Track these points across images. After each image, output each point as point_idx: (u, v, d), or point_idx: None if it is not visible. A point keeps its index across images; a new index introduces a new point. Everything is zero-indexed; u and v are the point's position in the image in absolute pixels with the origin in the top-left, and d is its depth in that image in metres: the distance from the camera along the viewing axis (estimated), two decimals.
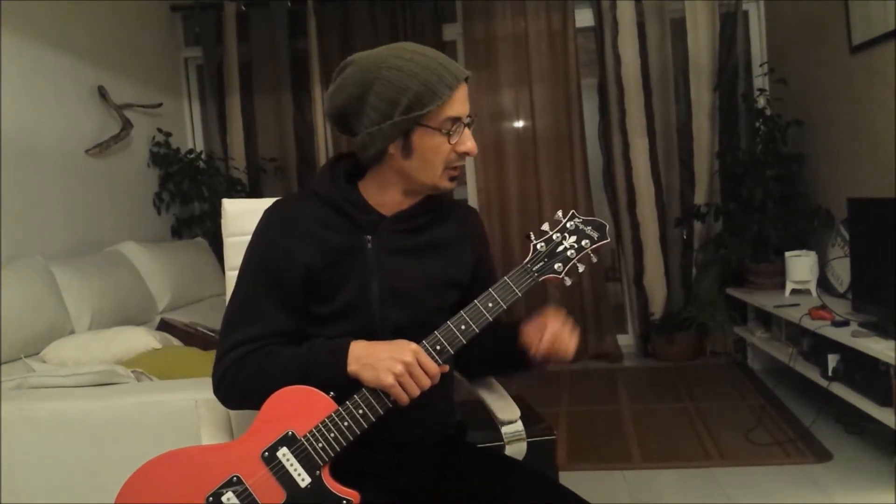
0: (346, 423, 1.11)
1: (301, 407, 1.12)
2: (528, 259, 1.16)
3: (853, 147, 3.25)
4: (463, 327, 1.14)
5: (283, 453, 1.10)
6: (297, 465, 1.10)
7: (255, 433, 1.12)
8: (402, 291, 1.23)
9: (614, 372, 3.98)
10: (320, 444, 1.10)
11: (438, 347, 1.13)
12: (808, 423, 2.86)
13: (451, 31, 4.35)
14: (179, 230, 4.17)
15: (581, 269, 1.16)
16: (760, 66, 4.05)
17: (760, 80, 4.04)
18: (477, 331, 1.14)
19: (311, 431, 1.11)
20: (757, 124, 3.77)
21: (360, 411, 1.11)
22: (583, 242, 1.16)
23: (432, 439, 1.28)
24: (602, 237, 1.17)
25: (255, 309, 1.20)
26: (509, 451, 1.35)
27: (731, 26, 4.05)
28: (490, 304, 1.14)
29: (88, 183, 3.38)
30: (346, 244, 1.22)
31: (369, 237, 1.23)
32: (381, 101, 1.15)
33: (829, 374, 2.71)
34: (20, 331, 2.36)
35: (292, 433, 1.11)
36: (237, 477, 1.10)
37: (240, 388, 1.18)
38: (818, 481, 2.38)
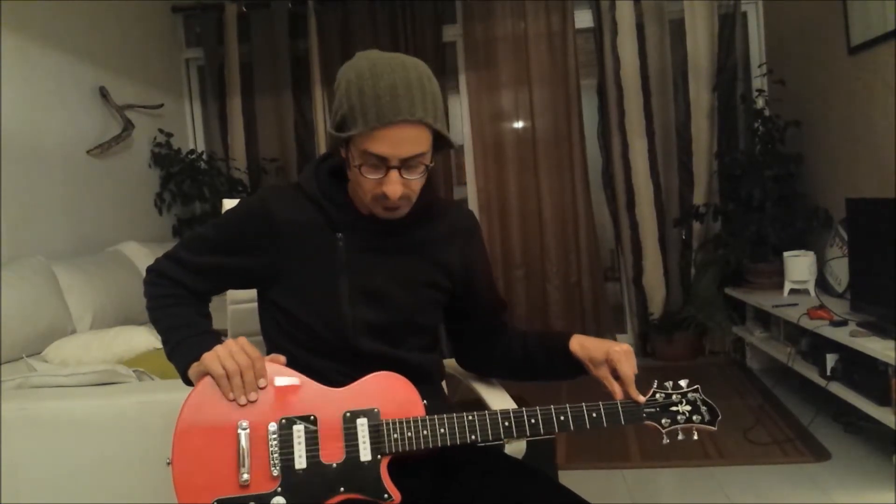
0: (425, 433, 1.14)
1: (399, 396, 1.16)
2: (645, 400, 1.27)
3: (851, 147, 3.26)
4: (562, 418, 1.18)
5: (362, 423, 1.13)
6: (367, 439, 1.13)
7: (348, 393, 1.16)
8: (372, 291, 1.24)
9: None
10: (395, 436, 1.13)
11: (533, 421, 1.17)
12: (807, 422, 2.87)
13: (451, 32, 4.36)
14: (181, 230, 4.18)
15: (681, 437, 1.23)
16: (759, 66, 4.07)
17: (759, 81, 4.05)
18: (572, 428, 1.18)
19: (393, 420, 1.14)
20: (755, 125, 3.78)
21: (442, 430, 1.14)
22: (693, 416, 1.23)
23: None
24: (711, 423, 1.23)
25: (193, 256, 1.29)
26: (509, 449, 1.36)
27: (729, 27, 4.06)
28: (594, 415, 1.20)
29: (90, 183, 3.40)
30: (318, 240, 1.24)
31: (340, 235, 1.24)
32: (334, 106, 1.18)
33: (828, 373, 2.72)
34: (22, 330, 2.37)
35: (378, 411, 1.14)
36: (314, 417, 1.13)
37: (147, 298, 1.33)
38: (817, 480, 2.39)
